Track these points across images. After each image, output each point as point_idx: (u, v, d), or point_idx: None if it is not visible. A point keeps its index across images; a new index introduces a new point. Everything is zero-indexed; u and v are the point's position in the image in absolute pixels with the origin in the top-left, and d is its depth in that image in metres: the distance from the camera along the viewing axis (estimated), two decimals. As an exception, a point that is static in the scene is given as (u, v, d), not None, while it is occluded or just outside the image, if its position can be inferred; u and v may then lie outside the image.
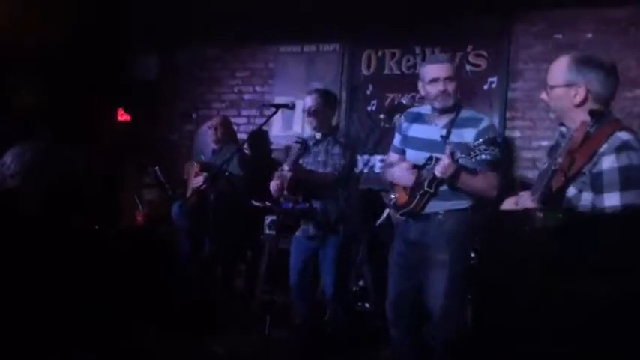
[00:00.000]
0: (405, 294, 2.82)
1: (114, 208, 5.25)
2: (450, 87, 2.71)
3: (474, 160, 2.54)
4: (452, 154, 2.53)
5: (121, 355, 3.20)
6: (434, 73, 2.74)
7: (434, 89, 2.72)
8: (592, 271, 1.23)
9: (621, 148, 1.80)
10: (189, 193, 4.43)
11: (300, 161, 3.44)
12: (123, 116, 5.68)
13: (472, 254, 3.17)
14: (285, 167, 3.33)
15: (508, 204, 2.05)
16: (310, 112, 3.39)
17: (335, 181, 3.31)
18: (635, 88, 4.09)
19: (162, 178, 4.84)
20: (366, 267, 3.91)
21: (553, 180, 1.80)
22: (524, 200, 1.93)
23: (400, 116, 3.03)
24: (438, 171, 2.57)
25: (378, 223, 2.98)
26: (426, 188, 2.64)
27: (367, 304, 4.01)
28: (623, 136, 1.83)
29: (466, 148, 2.53)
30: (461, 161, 2.56)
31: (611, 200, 1.79)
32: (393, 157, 2.98)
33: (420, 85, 2.82)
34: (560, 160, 1.74)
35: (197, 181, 4.32)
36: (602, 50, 4.16)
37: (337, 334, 3.35)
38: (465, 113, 2.77)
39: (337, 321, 3.35)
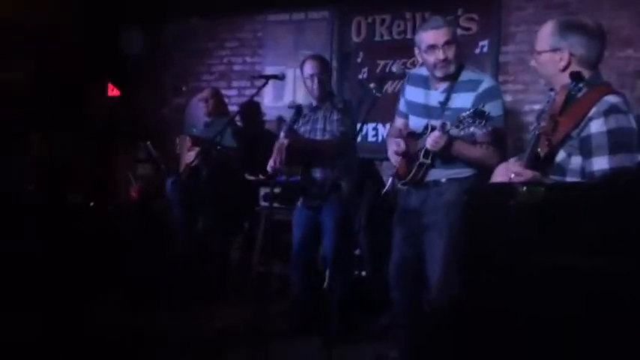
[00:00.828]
0: (408, 259, 2.81)
1: (108, 184, 5.24)
2: (450, 53, 2.56)
3: (463, 132, 2.44)
4: (443, 126, 2.45)
5: (116, 328, 3.27)
6: (430, 39, 2.57)
7: (432, 57, 2.58)
8: (578, 243, 1.24)
9: (609, 111, 1.80)
10: (182, 168, 4.42)
11: (296, 127, 3.42)
12: (113, 91, 5.62)
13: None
14: (282, 134, 3.31)
15: (499, 170, 2.06)
16: (313, 79, 3.35)
17: (334, 147, 3.28)
18: (628, 48, 4.06)
19: (154, 153, 4.82)
20: (363, 236, 3.93)
21: (538, 144, 1.81)
22: (513, 165, 1.94)
23: (399, 82, 2.94)
24: (428, 143, 2.51)
25: (384, 191, 2.95)
26: (421, 159, 2.60)
27: (363, 273, 4.05)
28: (612, 99, 1.83)
29: (457, 119, 2.43)
30: (452, 132, 2.47)
31: (600, 163, 1.80)
32: (397, 122, 2.91)
33: (416, 52, 2.70)
34: (543, 123, 1.74)
35: (189, 156, 4.30)
36: (594, 9, 4.12)
37: (336, 303, 3.38)
38: (465, 75, 2.64)
39: (335, 290, 3.37)
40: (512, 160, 1.97)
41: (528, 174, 1.82)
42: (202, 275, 4.11)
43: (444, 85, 2.66)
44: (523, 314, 1.35)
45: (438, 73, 2.62)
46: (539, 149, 1.79)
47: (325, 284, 3.63)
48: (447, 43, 2.55)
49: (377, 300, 3.74)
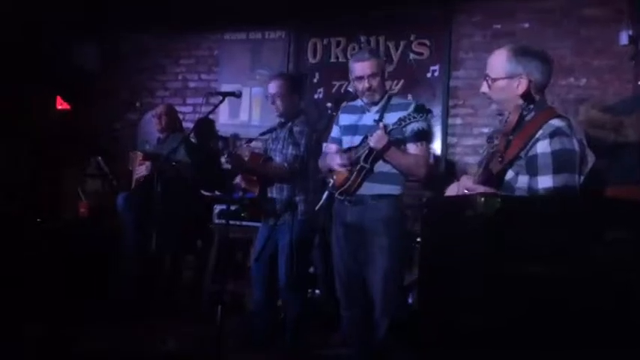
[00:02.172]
0: (354, 277, 2.91)
1: (55, 199, 5.09)
2: (374, 82, 2.84)
3: (405, 129, 2.72)
4: (385, 126, 2.69)
5: (65, 350, 3.15)
6: (358, 71, 2.86)
7: (360, 85, 2.87)
8: (530, 251, 1.31)
9: (554, 133, 1.90)
10: (134, 184, 4.34)
11: (268, 145, 3.47)
12: (62, 105, 5.49)
13: (418, 239, 3.28)
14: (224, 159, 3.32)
15: (451, 189, 2.13)
16: (275, 98, 3.37)
17: (286, 174, 3.31)
18: (569, 76, 4.29)
19: (105, 169, 4.72)
20: (316, 253, 3.95)
21: (492, 162, 1.89)
22: (465, 181, 2.01)
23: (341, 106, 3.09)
24: (372, 141, 2.70)
25: (317, 207, 3.03)
26: (362, 163, 2.78)
27: (317, 291, 4.06)
28: (557, 122, 1.93)
29: (399, 120, 2.67)
30: (394, 133, 2.71)
31: (545, 182, 1.89)
32: (330, 147, 3.10)
33: (350, 77, 2.95)
34: (497, 141, 1.82)
35: (140, 170, 4.24)
36: (538, 40, 4.34)
37: (289, 322, 3.37)
38: (395, 100, 2.93)
39: (289, 309, 3.36)
40: (464, 177, 2.04)
41: (480, 189, 1.89)
42: (154, 293, 4.02)
43: (377, 107, 2.92)
44: (473, 327, 1.40)
45: (365, 100, 2.92)
46: (491, 167, 1.87)
47: (279, 302, 3.63)
48: (372, 75, 2.84)
49: (331, 318, 3.76)
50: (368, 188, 2.83)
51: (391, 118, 2.79)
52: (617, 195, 2.30)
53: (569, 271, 1.29)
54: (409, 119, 2.65)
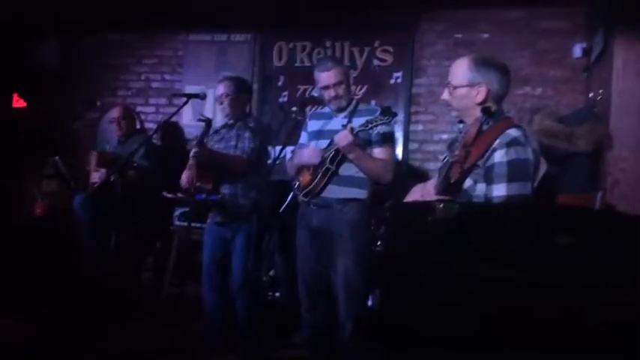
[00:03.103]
0: (318, 279, 2.94)
1: (10, 199, 4.95)
2: (340, 90, 2.91)
3: (371, 130, 2.78)
4: (351, 128, 2.74)
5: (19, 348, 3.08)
6: (323, 81, 2.93)
7: (326, 94, 2.95)
8: (486, 256, 1.36)
9: (510, 143, 1.97)
10: (90, 187, 4.26)
11: (209, 144, 3.44)
12: (18, 102, 5.35)
13: (378, 243, 3.33)
14: (193, 150, 3.30)
15: (414, 192, 2.19)
16: (222, 100, 3.39)
17: (243, 163, 3.31)
18: (526, 86, 4.41)
19: (63, 169, 4.62)
20: (277, 256, 3.96)
21: (451, 171, 1.95)
22: (429, 188, 2.07)
23: (310, 110, 3.14)
24: (337, 140, 2.75)
25: (282, 209, 3.05)
26: (327, 165, 2.82)
27: (278, 294, 4.07)
28: (513, 132, 2.00)
29: (365, 121, 2.74)
30: (360, 135, 2.76)
31: (499, 190, 1.95)
32: (296, 149, 3.15)
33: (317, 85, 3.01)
34: (457, 152, 1.88)
35: (94, 177, 4.16)
36: (497, 50, 4.46)
37: (246, 324, 3.37)
38: (362, 107, 3.01)
39: (245, 312, 3.35)
40: (429, 182, 2.09)
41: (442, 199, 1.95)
42: (112, 295, 3.96)
43: (345, 113, 2.98)
44: (433, 329, 1.44)
45: (332, 107, 2.97)
46: (451, 176, 1.93)
47: (235, 306, 3.61)
48: (337, 83, 2.91)
49: (291, 321, 3.78)
50: (334, 192, 2.87)
51: (359, 122, 2.83)
52: (566, 202, 2.39)
53: (521, 275, 1.35)
54: (376, 121, 2.71)
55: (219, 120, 5.13)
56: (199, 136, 3.37)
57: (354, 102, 3.01)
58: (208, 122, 3.42)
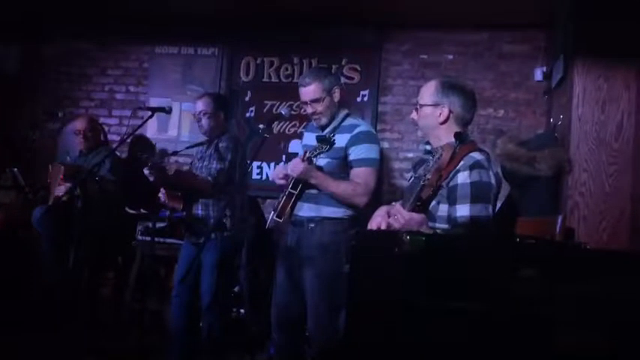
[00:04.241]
0: (288, 299, 2.87)
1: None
2: (318, 107, 2.80)
3: (316, 158, 2.70)
4: (304, 154, 2.69)
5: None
6: (302, 96, 2.84)
7: (307, 110, 2.86)
8: (449, 287, 1.39)
9: (474, 166, 2.04)
10: (52, 198, 4.15)
11: (194, 163, 3.42)
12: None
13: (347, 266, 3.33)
14: (146, 172, 3.24)
15: (380, 212, 2.20)
16: (199, 117, 3.35)
17: (208, 185, 3.28)
18: (489, 107, 4.54)
19: (21, 180, 4.49)
20: (243, 273, 3.93)
21: (422, 192, 1.97)
22: (398, 207, 2.07)
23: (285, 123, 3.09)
24: (289, 169, 2.71)
25: (267, 226, 2.99)
26: (289, 189, 2.75)
27: (242, 310, 4.03)
28: (476, 155, 2.07)
29: (312, 147, 2.68)
30: (320, 159, 2.71)
31: (462, 211, 2.01)
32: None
33: None
34: (429, 176, 1.91)
35: (59, 190, 4.05)
36: (462, 71, 4.58)
37: (212, 342, 3.32)
38: (347, 121, 2.86)
39: (212, 330, 3.30)
40: (396, 204, 2.11)
41: (416, 217, 1.97)
42: (70, 310, 3.85)
43: (330, 128, 2.88)
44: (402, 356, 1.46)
45: (315, 123, 2.89)
46: (422, 196, 1.96)
47: (201, 322, 3.57)
48: (314, 100, 2.81)
49: (255, 338, 3.74)
50: (306, 210, 2.79)
51: (340, 140, 2.76)
52: (528, 226, 2.46)
53: (486, 306, 1.38)
54: (315, 151, 2.66)
55: (184, 134, 5.12)
56: (153, 162, 3.29)
57: (340, 117, 2.86)
58: (164, 153, 3.36)
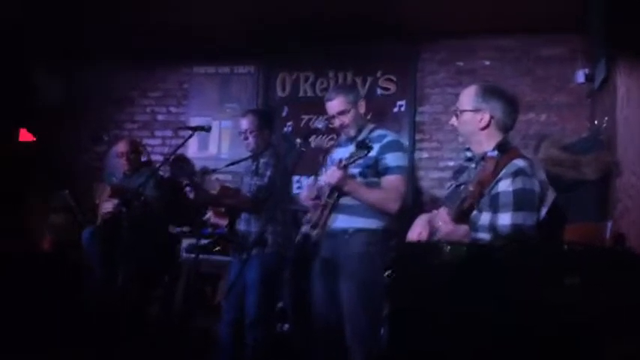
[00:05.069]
0: (329, 311, 2.88)
1: (19, 233, 4.96)
2: (345, 119, 2.88)
3: (352, 164, 2.73)
4: (339, 161, 2.73)
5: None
6: (328, 110, 2.94)
7: (335, 123, 2.94)
8: (497, 297, 1.36)
9: (516, 173, 1.99)
10: (100, 219, 4.27)
11: (243, 179, 3.46)
12: (25, 136, 5.40)
13: (387, 273, 3.30)
14: (188, 189, 3.30)
15: (421, 220, 2.18)
16: (246, 136, 3.39)
17: (248, 202, 3.31)
18: (530, 112, 4.45)
19: (71, 202, 4.63)
20: (286, 288, 3.94)
21: (464, 204, 1.94)
22: (443, 214, 2.05)
23: (322, 137, 3.13)
24: (326, 178, 2.76)
25: (297, 240, 3.02)
26: (326, 199, 2.79)
27: (286, 326, 4.04)
28: (519, 162, 2.02)
29: (348, 155, 2.71)
30: (352, 169, 2.75)
31: (504, 219, 1.97)
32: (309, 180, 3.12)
33: None
34: (471, 188, 1.87)
35: (106, 206, 4.17)
36: (499, 76, 4.52)
37: (256, 358, 3.33)
38: (376, 132, 2.94)
39: (257, 345, 3.31)
40: (440, 212, 2.08)
41: (459, 229, 1.95)
42: (120, 329, 3.94)
43: (359, 139, 2.89)
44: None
45: (344, 136, 2.96)
46: (465, 206, 1.93)
47: (246, 338, 3.59)
48: (341, 112, 2.89)
49: (300, 354, 3.74)
50: (340, 221, 2.82)
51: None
52: (575, 232, 2.39)
53: (531, 316, 1.35)
54: (353, 157, 2.68)
55: (223, 152, 5.20)
56: (194, 182, 3.34)
57: (368, 129, 2.94)
58: (204, 170, 3.41)
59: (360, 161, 2.74)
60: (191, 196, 3.25)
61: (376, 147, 2.80)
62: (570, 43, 4.42)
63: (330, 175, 2.74)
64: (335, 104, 2.90)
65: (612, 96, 3.03)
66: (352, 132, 2.91)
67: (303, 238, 2.96)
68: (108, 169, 5.07)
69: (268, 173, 3.32)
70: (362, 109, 2.94)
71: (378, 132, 2.94)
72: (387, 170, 2.82)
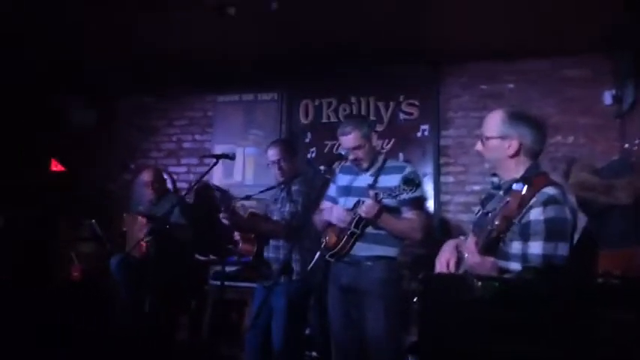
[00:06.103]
0: (350, 338, 2.90)
1: (48, 262, 5.03)
2: (360, 153, 2.94)
3: (396, 199, 2.76)
4: (376, 195, 2.74)
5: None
6: (343, 144, 2.98)
7: (350, 156, 2.98)
8: (531, 333, 1.33)
9: (548, 201, 1.93)
10: (129, 246, 4.32)
11: (271, 206, 3.47)
12: (56, 167, 5.51)
13: (415, 299, 3.26)
14: (222, 216, 3.30)
15: (448, 247, 2.15)
16: (279, 165, 3.41)
17: (280, 229, 3.32)
18: (557, 135, 4.38)
19: (99, 232, 4.70)
20: (313, 314, 3.91)
21: (491, 237, 1.90)
22: (470, 245, 2.00)
23: (338, 165, 3.16)
24: (362, 211, 2.76)
25: (309, 267, 3.04)
26: (352, 229, 2.82)
27: (314, 353, 4.00)
28: (550, 190, 1.96)
29: (389, 190, 2.73)
30: (385, 201, 2.76)
31: (535, 248, 1.92)
32: (326, 204, 3.13)
33: None
34: (497, 222, 1.83)
35: (141, 233, 4.21)
36: (524, 99, 4.48)
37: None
38: (389, 163, 3.00)
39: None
40: (468, 239, 2.04)
41: (486, 262, 1.91)
42: (148, 355, 3.95)
43: (372, 170, 2.98)
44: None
45: (355, 168, 3.00)
46: (492, 238, 1.89)
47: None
48: (356, 147, 2.94)
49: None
50: (362, 249, 2.85)
51: (385, 181, 2.85)
52: (612, 258, 2.33)
53: (568, 355, 1.31)
54: (398, 191, 2.70)
55: (248, 179, 5.24)
56: (226, 206, 3.36)
57: (381, 159, 3.01)
58: (224, 193, 3.42)
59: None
60: (225, 221, 3.26)
61: (397, 177, 2.82)
62: (594, 65, 4.37)
63: (368, 209, 2.75)
64: (350, 139, 2.93)
65: (642, 118, 2.98)
66: (365, 164, 2.97)
67: (324, 264, 2.97)
68: (135, 197, 5.14)
69: (301, 200, 3.34)
70: (374, 142, 3.00)
71: (394, 162, 3.03)
72: (411, 200, 2.86)
